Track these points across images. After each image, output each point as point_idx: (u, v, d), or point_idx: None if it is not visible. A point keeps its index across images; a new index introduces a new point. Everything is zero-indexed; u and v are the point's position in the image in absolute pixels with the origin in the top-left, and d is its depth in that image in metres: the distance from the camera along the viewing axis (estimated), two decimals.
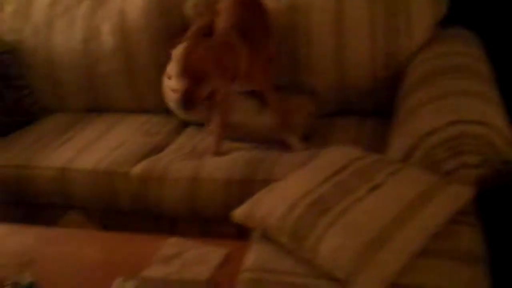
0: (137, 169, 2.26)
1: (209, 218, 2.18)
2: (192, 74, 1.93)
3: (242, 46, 2.09)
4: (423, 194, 1.51)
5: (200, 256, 1.70)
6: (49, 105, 2.94)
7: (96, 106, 2.87)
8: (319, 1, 2.46)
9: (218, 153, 2.28)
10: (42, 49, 2.88)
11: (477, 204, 1.57)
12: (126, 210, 2.30)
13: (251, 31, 2.21)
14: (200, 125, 2.53)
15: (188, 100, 1.92)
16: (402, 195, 1.52)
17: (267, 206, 1.61)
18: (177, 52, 2.27)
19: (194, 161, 2.23)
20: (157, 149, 2.43)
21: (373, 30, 2.39)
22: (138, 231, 2.25)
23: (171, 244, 1.76)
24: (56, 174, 2.36)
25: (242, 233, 1.98)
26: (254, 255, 1.54)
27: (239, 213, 1.66)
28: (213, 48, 2.00)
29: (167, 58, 2.54)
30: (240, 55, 2.08)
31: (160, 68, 2.63)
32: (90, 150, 2.45)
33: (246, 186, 2.07)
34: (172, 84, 2.46)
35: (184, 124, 2.61)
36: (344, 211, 1.49)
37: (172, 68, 2.47)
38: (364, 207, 1.50)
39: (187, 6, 2.66)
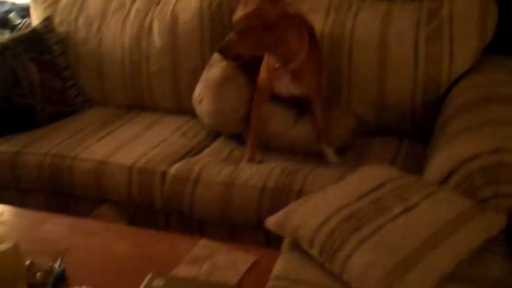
0: (174, 169, 2.29)
1: (239, 224, 2.20)
2: (242, 26, 2.08)
3: (307, 35, 2.18)
4: (456, 218, 1.51)
5: (229, 261, 1.71)
6: (93, 98, 3.00)
7: (138, 103, 2.91)
8: (364, 23, 2.48)
9: (253, 160, 2.30)
10: (92, 42, 2.94)
11: (510, 235, 1.57)
12: (158, 209, 2.34)
13: (313, 35, 2.29)
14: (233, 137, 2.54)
15: (227, 48, 2.08)
16: (436, 218, 1.52)
17: (301, 217, 1.62)
18: None
19: (230, 166, 2.25)
20: (194, 151, 2.46)
21: (416, 54, 2.38)
22: (166, 231, 2.29)
23: (201, 246, 1.78)
24: (94, 167, 2.40)
25: (269, 241, 2.01)
26: (283, 264, 1.56)
27: (272, 221, 1.67)
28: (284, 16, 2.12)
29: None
30: (303, 43, 2.16)
31: None
32: (129, 146, 2.49)
33: (280, 196, 2.09)
34: (204, 110, 2.50)
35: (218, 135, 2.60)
36: (377, 229, 1.49)
37: (201, 91, 2.52)
38: (397, 227, 1.50)
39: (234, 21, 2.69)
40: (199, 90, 2.55)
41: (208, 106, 2.45)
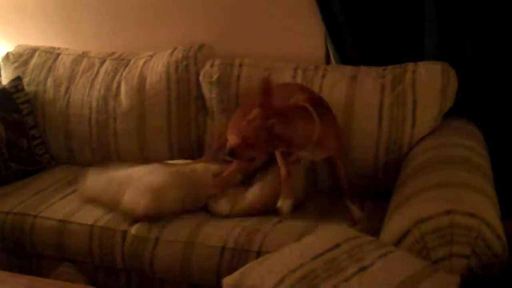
0: (135, 228, 2.29)
1: (199, 284, 2.19)
2: (245, 139, 2.07)
3: (315, 115, 2.18)
4: (409, 279, 1.53)
5: None
6: (60, 156, 3.02)
7: (104, 162, 2.91)
8: (331, 84, 2.55)
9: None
10: (60, 102, 2.99)
11: None
12: (118, 268, 2.32)
13: (319, 103, 2.31)
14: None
15: (234, 153, 2.09)
16: (389, 278, 1.54)
17: (257, 276, 1.63)
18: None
19: (192, 225, 2.25)
20: None
21: (380, 116, 2.45)
22: None
23: None
24: (55, 226, 2.39)
25: None
26: None
27: (229, 281, 1.68)
28: (285, 118, 2.09)
29: (179, 125, 2.71)
30: (314, 124, 2.17)
31: (171, 132, 2.77)
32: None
33: (239, 255, 2.09)
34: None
35: None
36: None
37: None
38: (351, 287, 1.52)
39: (201, 73, 2.77)
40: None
41: (145, 209, 2.36)
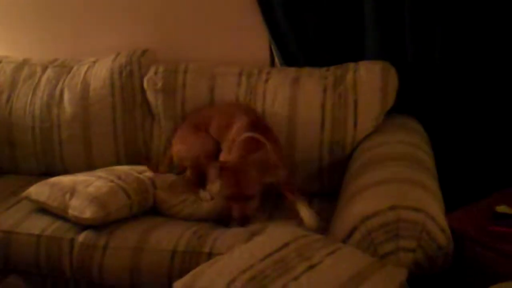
0: (83, 236, 2.25)
1: None
2: (247, 195, 2.16)
3: (266, 141, 2.28)
4: (357, 275, 1.56)
5: None
6: (3, 166, 2.96)
7: (50, 171, 2.88)
8: (274, 88, 2.58)
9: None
10: (2, 111, 2.93)
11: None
12: (67, 277, 2.28)
13: (260, 124, 2.41)
14: None
15: (247, 218, 2.18)
16: (337, 275, 1.56)
17: (208, 279, 1.63)
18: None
19: (140, 230, 2.23)
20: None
21: (323, 117, 2.48)
22: None
23: None
24: (0, 237, 2.33)
25: None
26: None
27: (180, 284, 1.68)
28: (253, 162, 2.17)
29: (125, 130, 2.71)
30: (267, 149, 2.26)
31: (117, 138, 2.75)
32: (38, 215, 2.43)
33: (190, 258, 2.08)
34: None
35: None
36: None
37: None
38: (301, 285, 1.54)
39: (146, 80, 2.76)
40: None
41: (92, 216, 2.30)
